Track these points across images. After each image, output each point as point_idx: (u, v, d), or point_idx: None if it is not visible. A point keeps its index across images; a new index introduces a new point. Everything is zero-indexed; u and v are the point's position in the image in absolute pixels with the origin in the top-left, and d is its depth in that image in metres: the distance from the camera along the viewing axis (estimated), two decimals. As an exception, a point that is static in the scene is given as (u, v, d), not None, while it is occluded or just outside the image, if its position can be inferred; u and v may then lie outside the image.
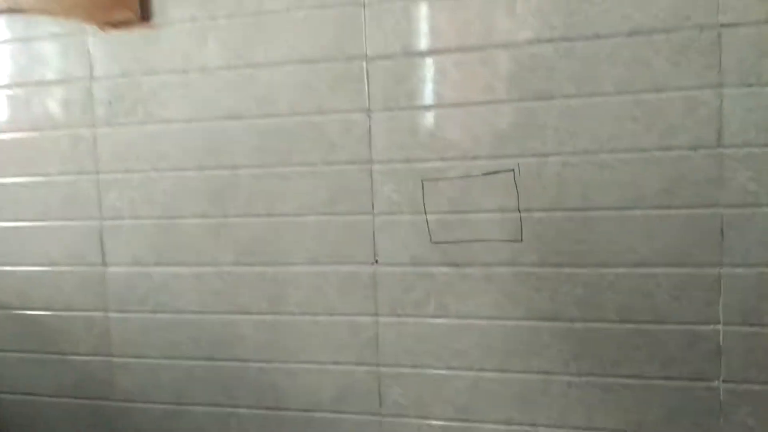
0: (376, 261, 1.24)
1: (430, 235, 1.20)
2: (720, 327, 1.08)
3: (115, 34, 1.34)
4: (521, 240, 1.16)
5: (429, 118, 1.19)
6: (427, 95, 1.18)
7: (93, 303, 1.41)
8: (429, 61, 1.18)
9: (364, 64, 1.21)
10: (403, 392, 1.24)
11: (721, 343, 1.09)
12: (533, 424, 1.19)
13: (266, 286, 1.30)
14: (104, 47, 1.35)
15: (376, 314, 1.24)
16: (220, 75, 1.28)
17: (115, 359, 1.41)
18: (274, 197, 1.27)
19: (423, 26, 1.17)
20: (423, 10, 1.17)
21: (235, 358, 1.33)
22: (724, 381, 1.09)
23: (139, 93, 1.34)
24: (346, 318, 1.26)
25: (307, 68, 1.23)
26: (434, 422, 1.24)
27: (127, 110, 1.35)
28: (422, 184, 1.20)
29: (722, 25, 1.04)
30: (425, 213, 1.20)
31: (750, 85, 1.04)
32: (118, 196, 1.37)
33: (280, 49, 1.24)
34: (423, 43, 1.18)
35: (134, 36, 1.33)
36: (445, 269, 1.20)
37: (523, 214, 1.16)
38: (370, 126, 1.21)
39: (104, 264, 1.39)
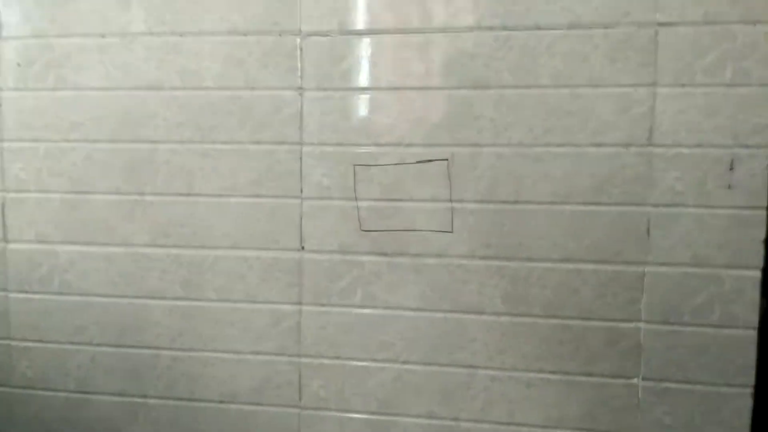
0: (303, 247, 1.18)
1: (360, 223, 1.16)
2: (641, 325, 1.09)
3: (25, -11, 1.22)
4: (452, 231, 1.14)
5: (364, 101, 1.14)
6: (363, 77, 1.14)
7: (-10, 282, 1.29)
8: (366, 42, 1.13)
9: (298, 39, 1.15)
10: (324, 384, 1.20)
11: (641, 341, 1.09)
12: (455, 419, 1.17)
13: (182, 270, 1.22)
14: (14, 4, 1.23)
15: (300, 303, 1.19)
16: (142, 41, 1.19)
17: (14, 343, 1.30)
18: (194, 176, 1.19)
19: (361, 4, 1.12)
20: (362, -13, 1.12)
21: (146, 345, 1.25)
22: (643, 378, 1.10)
23: (52, 56, 1.23)
24: (267, 306, 1.20)
25: (237, 40, 1.16)
26: (355, 416, 1.20)
27: (37, 74, 1.23)
28: (354, 170, 1.15)
29: (659, 24, 1.04)
30: (356, 200, 1.16)
31: (683, 86, 1.04)
32: (23, 167, 1.25)
33: (207, 18, 1.16)
34: (361, 22, 1.13)
35: (47, -7, 1.22)
36: (374, 258, 1.16)
37: (455, 205, 1.13)
38: (301, 105, 1.16)
39: (5, 240, 1.28)
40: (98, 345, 1.27)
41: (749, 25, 1.02)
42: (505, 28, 1.09)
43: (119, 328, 1.26)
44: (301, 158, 1.17)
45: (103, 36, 1.21)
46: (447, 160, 1.13)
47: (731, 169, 1.05)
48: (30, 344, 1.29)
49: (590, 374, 1.12)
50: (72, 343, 1.28)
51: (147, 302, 1.24)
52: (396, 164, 1.14)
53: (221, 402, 1.24)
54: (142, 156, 1.21)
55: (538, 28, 1.08)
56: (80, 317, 1.27)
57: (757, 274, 1.06)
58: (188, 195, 1.20)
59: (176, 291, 1.23)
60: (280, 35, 1.15)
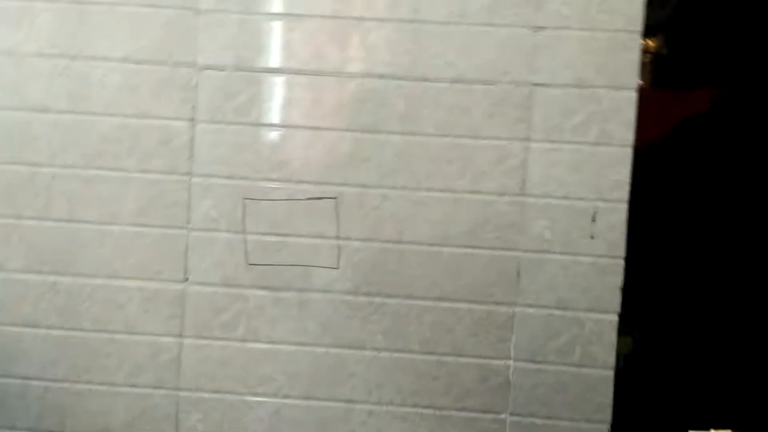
0: (187, 279, 1.18)
1: (246, 256, 1.17)
2: (510, 363, 1.16)
3: None
4: (338, 267, 1.17)
5: (257, 137, 1.16)
6: (257, 113, 1.16)
7: None
8: (262, 79, 1.15)
9: (193, 72, 1.16)
10: (201, 418, 1.19)
11: (510, 378, 1.16)
12: (333, 453, 1.19)
13: (58, 298, 1.18)
14: None
15: (181, 335, 1.18)
16: (30, 62, 1.17)
17: None
18: (76, 202, 1.17)
19: (258, 42, 1.15)
20: (260, 27, 1.15)
21: (16, 375, 1.20)
22: (511, 414, 1.16)
23: (-71, 68, 1.17)
24: (147, 338, 1.18)
25: (130, 68, 1.16)
26: (234, 450, 1.19)
27: None
28: (244, 203, 1.17)
29: (534, 84, 1.13)
30: (244, 233, 1.17)
31: (553, 142, 1.13)
32: None
33: (101, 44, 1.15)
34: (257, 59, 1.15)
35: (-70, 3, 1.17)
36: (259, 292, 1.17)
37: (342, 242, 1.16)
38: (193, 136, 1.16)
39: None
40: (-38, 374, 1.20)
41: (614, 90, 1.13)
42: (394, 77, 1.14)
43: (-14, 357, 1.20)
44: (189, 189, 1.17)
45: (-12, 53, 1.17)
46: (336, 198, 1.16)
47: (593, 220, 1.14)
48: None
49: (462, 409, 1.17)
50: (-68, 371, 1.20)
51: (19, 330, 1.19)
52: (286, 200, 1.16)
53: (93, 436, 1.20)
54: (21, 178, 1.17)
55: (425, 79, 1.14)
56: (-57, 344, 1.20)
57: (615, 318, 1.15)
58: (69, 221, 1.17)
59: (51, 319, 1.18)
60: (175, 66, 1.16)
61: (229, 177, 1.16)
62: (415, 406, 1.17)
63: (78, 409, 1.19)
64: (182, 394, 1.18)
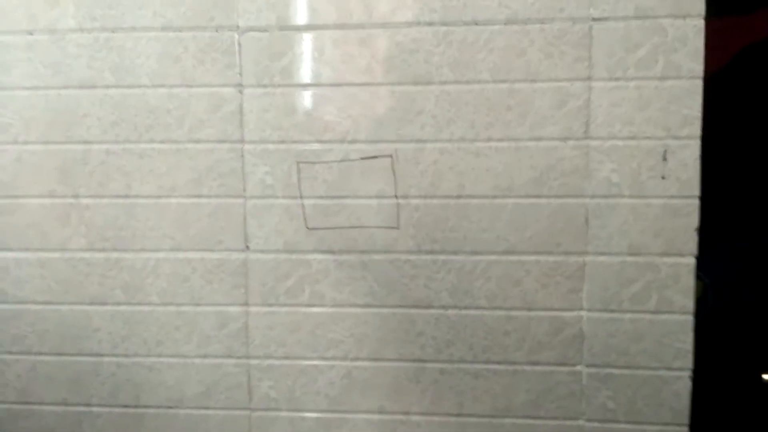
0: (248, 247, 1.16)
1: (305, 221, 1.15)
2: (583, 313, 1.12)
3: (-56, -16, 1.16)
4: (398, 227, 1.14)
5: (306, 98, 1.13)
6: (304, 73, 1.12)
7: None
8: (306, 37, 1.11)
9: (236, 35, 1.13)
10: (273, 385, 1.19)
11: (583, 328, 1.12)
12: (406, 413, 1.18)
13: (122, 274, 1.19)
14: (-70, -2, 1.17)
15: (246, 304, 1.18)
16: (72, 38, 1.15)
17: (-54, 356, 1.24)
18: (131, 177, 1.16)
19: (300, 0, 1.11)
20: (300, -18, 1.11)
21: (88, 352, 1.22)
22: (586, 365, 1.13)
23: (-25, 54, 1.17)
24: (213, 308, 1.18)
25: (172, 36, 1.13)
26: (307, 414, 1.19)
27: (-40, 73, 1.17)
28: (298, 167, 1.14)
29: (593, 19, 1.06)
30: (301, 197, 1.14)
31: (617, 79, 1.07)
32: (-51, 171, 1.20)
33: (140, 14, 1.13)
34: (300, 17, 1.11)
35: (-32, -12, 1.16)
36: (320, 256, 1.16)
37: (401, 201, 1.13)
38: (242, 103, 1.14)
39: (-69, 248, 1.22)
40: (38, 354, 1.23)
41: (679, 19, 1.06)
42: (443, 23, 1.09)
43: (59, 336, 1.22)
44: (242, 156, 1.15)
45: (30, 33, 1.15)
46: (391, 156, 1.13)
47: (664, 159, 1.08)
48: (-37, 356, 1.24)
49: (536, 363, 1.14)
50: (10, 352, 1.23)
51: (87, 308, 1.20)
52: (340, 161, 1.13)
53: (169, 407, 1.21)
54: (75, 157, 1.17)
55: (476, 23, 1.08)
56: (17, 326, 1.22)
57: (692, 260, 1.09)
58: (126, 197, 1.16)
59: (117, 296, 1.19)
60: (216, 31, 1.13)
61: (280, 141, 1.14)
62: (487, 362, 1.15)
63: (152, 382, 1.20)
64: (252, 362, 1.19)
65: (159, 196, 1.16)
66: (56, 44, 1.15)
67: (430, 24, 1.09)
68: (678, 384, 1.12)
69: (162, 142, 1.15)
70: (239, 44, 1.13)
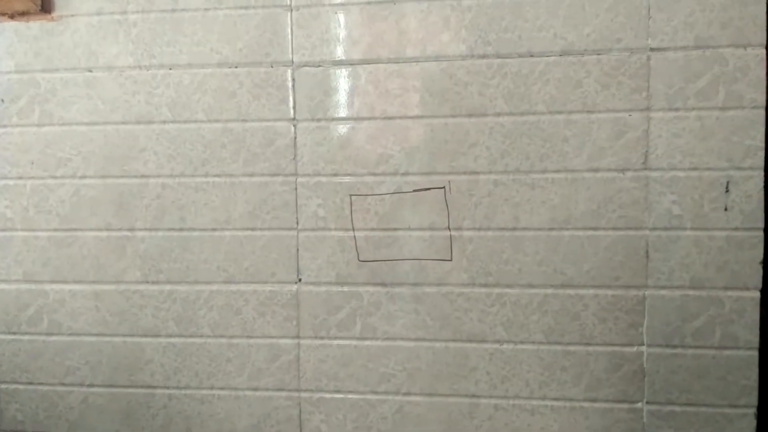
0: (300, 279, 1.16)
1: (357, 253, 1.14)
2: (644, 349, 1.09)
3: (11, 26, 1.20)
4: (451, 259, 1.13)
5: (359, 131, 1.13)
6: (358, 107, 1.13)
7: (-25, 324, 1.25)
8: (360, 71, 1.12)
9: (290, 71, 1.14)
10: (324, 419, 1.18)
11: (644, 364, 1.09)
12: (459, 449, 1.15)
13: (176, 306, 1.19)
14: (-5, 37, 1.21)
15: (298, 336, 1.17)
16: (130, 75, 1.17)
17: (3, 385, 1.26)
18: (186, 210, 1.17)
19: (354, 34, 1.12)
20: (355, 18, 1.11)
21: (140, 384, 1.22)
22: (647, 403, 1.10)
23: (37, 91, 1.20)
24: (265, 340, 1.18)
25: (227, 72, 1.14)
26: (357, 449, 1.18)
27: (22, 110, 1.20)
28: (350, 200, 1.14)
29: (651, 49, 1.05)
30: (353, 230, 1.14)
31: (677, 110, 1.05)
32: (9, 205, 1.22)
33: (197, 51, 1.15)
34: (354, 52, 1.12)
35: (33, 28, 1.19)
36: (372, 289, 1.15)
37: (453, 233, 1.12)
38: (295, 137, 1.14)
39: (-10, 280, 1.24)
40: (90, 385, 1.23)
41: (740, 49, 1.04)
42: (498, 55, 1.09)
43: (111, 368, 1.22)
44: (296, 189, 1.15)
45: (89, 70, 1.18)
46: (444, 188, 1.12)
47: (727, 191, 1.05)
48: (19, 386, 1.25)
49: (594, 400, 1.11)
50: (63, 384, 1.24)
51: (140, 340, 1.21)
52: (392, 193, 1.13)
53: (219, 440, 1.21)
54: (131, 191, 1.18)
55: (531, 55, 1.08)
56: (71, 357, 1.23)
57: (756, 294, 1.06)
58: (180, 230, 1.18)
59: (170, 328, 1.20)
60: (271, 66, 1.14)
61: (333, 174, 1.14)
62: (543, 398, 1.12)
63: (203, 415, 1.20)
64: (304, 395, 1.18)
65: (213, 229, 1.17)
66: (115, 80, 1.18)
67: (484, 57, 1.09)
68: (742, 422, 1.08)
69: (217, 175, 1.16)
70: (293, 79, 1.14)
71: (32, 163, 1.21)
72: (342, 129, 1.13)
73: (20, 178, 1.21)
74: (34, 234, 1.22)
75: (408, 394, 1.16)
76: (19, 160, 1.21)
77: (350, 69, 1.12)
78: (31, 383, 1.25)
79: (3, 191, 1.22)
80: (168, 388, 1.21)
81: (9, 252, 1.23)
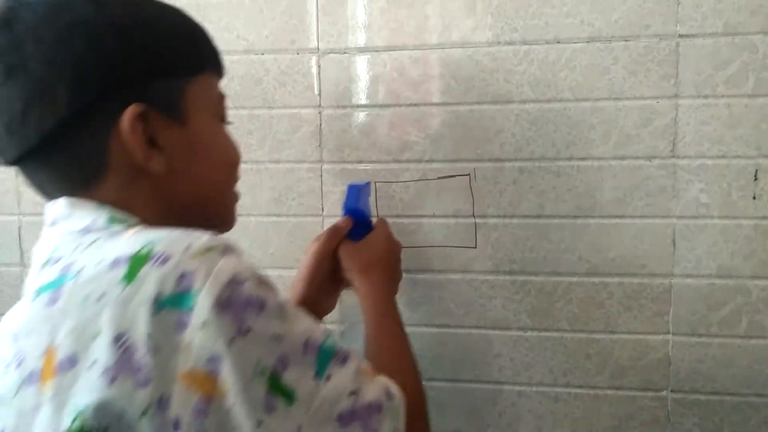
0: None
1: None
2: (669, 337, 1.09)
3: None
4: (475, 247, 1.13)
5: (384, 118, 1.13)
6: (383, 94, 1.13)
7: None
8: (385, 58, 1.12)
9: (315, 58, 1.14)
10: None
11: (670, 353, 1.09)
12: (482, 435, 1.16)
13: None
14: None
15: (323, 321, 1.18)
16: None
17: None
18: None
19: (379, 21, 1.12)
20: (380, 4, 1.12)
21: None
22: (672, 391, 1.10)
23: None
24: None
25: (254, 59, 1.15)
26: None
27: None
28: (375, 186, 1.15)
29: (680, 36, 1.04)
30: (377, 216, 1.15)
31: (705, 97, 1.04)
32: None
33: (223, 37, 1.15)
34: (379, 39, 1.12)
35: None
36: (397, 275, 1.15)
37: (478, 220, 1.12)
38: (320, 123, 1.15)
39: (22, 264, 1.27)
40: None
41: (770, 35, 1.02)
42: (524, 42, 1.08)
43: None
44: (321, 176, 1.16)
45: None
46: (468, 175, 1.12)
47: (756, 179, 1.04)
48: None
49: (618, 387, 1.11)
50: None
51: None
52: (417, 180, 1.14)
53: None
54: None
55: (558, 41, 1.07)
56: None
57: (784, 283, 1.05)
58: (208, 216, 1.19)
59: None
60: (297, 53, 1.15)
61: (358, 161, 1.15)
62: (567, 385, 1.12)
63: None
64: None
65: (239, 215, 1.18)
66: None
67: (511, 43, 1.09)
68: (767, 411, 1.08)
69: (244, 162, 1.16)
70: (319, 66, 1.14)
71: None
72: (367, 116, 1.14)
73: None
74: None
75: (432, 379, 1.16)
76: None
77: (375, 56, 1.13)
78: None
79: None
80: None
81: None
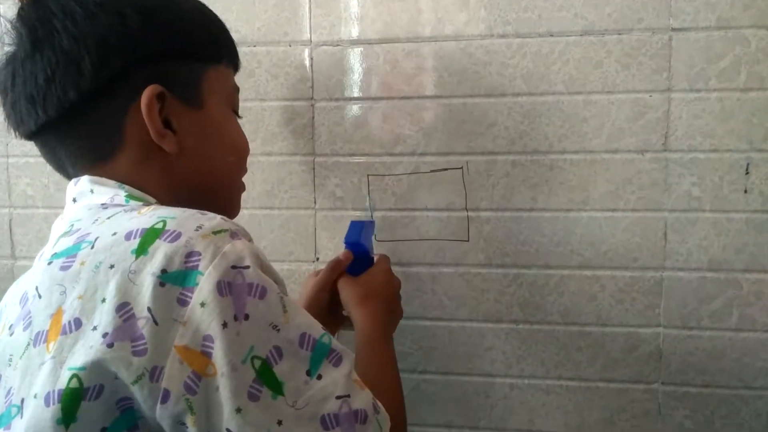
0: (317, 259, 1.17)
1: (374, 233, 1.15)
2: (660, 330, 1.09)
3: None
4: (468, 240, 1.13)
5: (376, 111, 1.13)
6: (375, 86, 1.13)
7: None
8: (378, 51, 1.12)
9: (308, 50, 1.14)
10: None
11: (661, 346, 1.09)
12: (474, 428, 1.17)
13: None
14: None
15: (316, 315, 1.18)
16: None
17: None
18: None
19: (372, 14, 1.11)
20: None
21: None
22: (663, 383, 1.10)
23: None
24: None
25: (246, 51, 1.15)
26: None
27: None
28: (368, 180, 1.15)
29: (673, 29, 1.04)
30: (371, 210, 1.15)
31: (698, 91, 1.04)
32: (30, 183, 1.24)
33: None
34: (372, 31, 1.12)
35: None
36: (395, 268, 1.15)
37: (471, 214, 1.12)
38: (313, 116, 1.15)
39: (13, 257, 1.26)
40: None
41: (762, 30, 1.03)
42: (517, 35, 1.08)
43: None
44: (313, 169, 1.16)
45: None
46: (461, 168, 1.12)
47: (747, 173, 1.05)
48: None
49: (610, 380, 1.11)
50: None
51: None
52: (410, 173, 1.13)
53: None
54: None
55: (551, 35, 1.07)
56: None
57: (775, 276, 1.06)
58: (200, 209, 1.18)
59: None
60: (289, 45, 1.14)
61: (351, 154, 1.14)
62: (559, 378, 1.13)
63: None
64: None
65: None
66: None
67: (504, 36, 1.08)
68: (758, 403, 1.09)
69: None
70: (311, 58, 1.14)
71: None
72: (359, 109, 1.13)
73: (38, 155, 1.22)
74: (54, 212, 1.23)
75: (424, 372, 1.17)
76: (40, 139, 1.22)
77: (368, 48, 1.12)
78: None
79: (24, 169, 1.23)
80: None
81: (30, 229, 1.24)
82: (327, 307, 0.99)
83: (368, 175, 1.15)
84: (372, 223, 1.12)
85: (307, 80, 1.14)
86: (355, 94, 1.13)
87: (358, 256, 1.02)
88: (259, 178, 1.16)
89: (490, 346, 1.15)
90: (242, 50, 1.12)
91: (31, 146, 1.20)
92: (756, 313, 1.07)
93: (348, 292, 0.97)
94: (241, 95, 1.13)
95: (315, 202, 1.16)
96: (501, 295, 1.13)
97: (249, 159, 0.84)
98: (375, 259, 1.05)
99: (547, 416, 1.14)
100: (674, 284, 1.08)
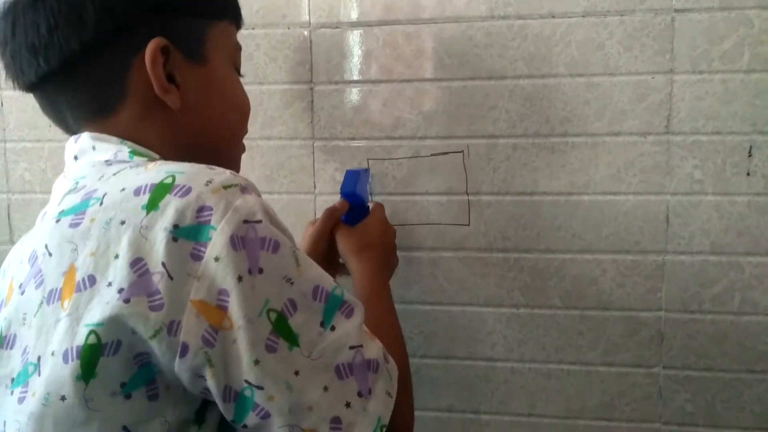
0: (317, 244, 1.17)
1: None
2: (662, 314, 1.09)
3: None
4: (468, 224, 1.13)
5: (376, 94, 1.12)
6: (375, 69, 1.12)
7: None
8: (377, 33, 1.11)
9: (307, 32, 1.13)
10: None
11: (662, 329, 1.09)
12: (475, 412, 1.17)
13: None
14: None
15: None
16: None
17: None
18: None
19: (370, -5, 1.10)
20: (372, -22, 1.10)
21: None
22: (664, 367, 1.10)
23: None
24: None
25: (244, 34, 1.13)
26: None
27: None
28: (368, 164, 1.14)
29: (676, 10, 1.03)
30: (371, 194, 1.14)
31: (701, 72, 1.03)
32: (28, 168, 1.23)
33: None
34: (371, 13, 1.11)
35: None
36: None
37: (471, 198, 1.12)
38: (312, 100, 1.14)
39: (11, 242, 1.25)
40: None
41: (766, 11, 1.01)
42: (519, 17, 1.07)
43: None
44: (313, 153, 1.15)
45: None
46: (462, 152, 1.11)
47: (750, 155, 1.04)
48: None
49: (611, 364, 1.11)
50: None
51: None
52: (410, 157, 1.13)
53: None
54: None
55: (553, 16, 1.06)
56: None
57: (777, 260, 1.05)
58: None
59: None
60: (288, 28, 1.13)
61: (351, 138, 1.14)
62: (560, 362, 1.13)
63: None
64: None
65: (232, 193, 1.17)
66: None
67: (505, 18, 1.07)
68: (760, 387, 1.09)
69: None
70: (311, 41, 1.13)
71: (50, 126, 1.20)
72: (359, 92, 1.12)
73: (38, 140, 1.22)
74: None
75: (425, 357, 1.16)
76: (38, 122, 1.21)
77: (368, 31, 1.11)
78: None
79: (21, 154, 1.23)
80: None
81: (28, 215, 1.24)
82: (324, 257, 0.99)
83: (368, 159, 1.14)
84: (367, 171, 1.12)
85: (306, 63, 1.13)
86: (355, 77, 1.12)
87: (354, 206, 1.02)
88: (258, 162, 1.16)
89: (490, 331, 1.14)
90: (240, 33, 1.12)
91: (29, 131, 1.20)
92: (758, 296, 1.06)
93: (344, 243, 0.97)
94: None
95: (315, 187, 1.16)
96: (502, 280, 1.13)
97: (247, 143, 0.84)
98: (370, 207, 1.04)
99: (547, 400, 1.14)
100: (676, 268, 1.07)
